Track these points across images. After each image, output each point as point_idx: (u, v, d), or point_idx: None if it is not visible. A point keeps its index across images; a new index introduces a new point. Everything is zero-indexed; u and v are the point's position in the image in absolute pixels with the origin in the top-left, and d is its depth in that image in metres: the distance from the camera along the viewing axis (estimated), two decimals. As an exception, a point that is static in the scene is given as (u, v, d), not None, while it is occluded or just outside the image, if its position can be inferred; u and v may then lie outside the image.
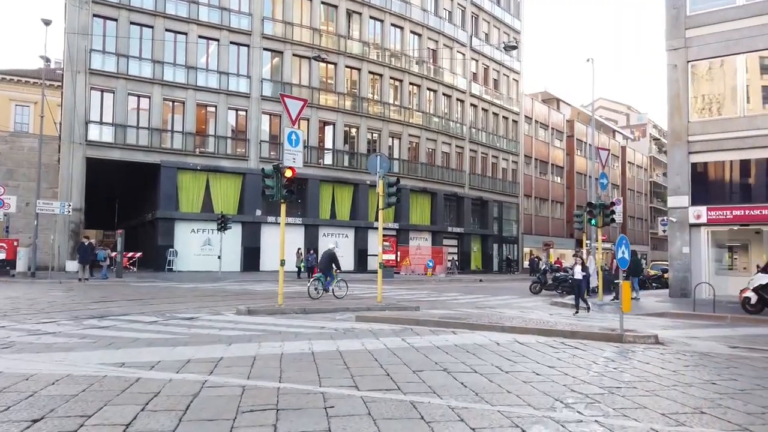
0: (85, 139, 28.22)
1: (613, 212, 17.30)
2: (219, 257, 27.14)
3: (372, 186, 36.48)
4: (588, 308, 14.55)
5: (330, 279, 16.41)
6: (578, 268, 14.42)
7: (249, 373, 6.21)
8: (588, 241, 21.82)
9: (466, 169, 43.32)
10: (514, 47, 29.82)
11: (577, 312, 14.22)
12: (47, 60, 24.94)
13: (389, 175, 15.91)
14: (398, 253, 35.33)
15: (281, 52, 33.54)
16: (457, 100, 43.10)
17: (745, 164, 18.56)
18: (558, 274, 23.15)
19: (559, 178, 55.93)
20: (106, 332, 9.23)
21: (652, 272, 30.25)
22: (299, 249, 30.06)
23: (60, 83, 37.07)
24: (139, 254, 30.38)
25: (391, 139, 38.04)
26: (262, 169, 13.20)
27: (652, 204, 76.43)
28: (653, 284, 28.11)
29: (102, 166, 29.60)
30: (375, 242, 36.60)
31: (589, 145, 60.32)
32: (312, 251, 29.66)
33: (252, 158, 32.35)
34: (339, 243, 35.19)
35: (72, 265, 27.08)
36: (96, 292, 17.54)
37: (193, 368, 6.44)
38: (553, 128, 54.95)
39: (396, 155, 38.12)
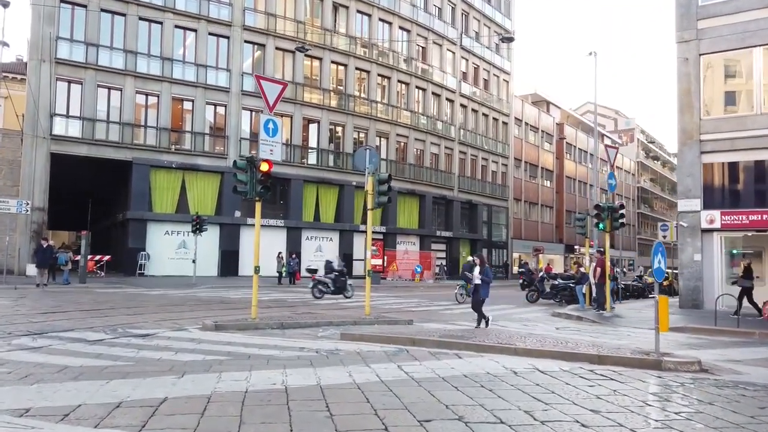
0: (49, 133, 26.20)
1: (622, 215, 15.88)
2: (194, 261, 25.28)
3: (359, 187, 34.84)
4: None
5: None
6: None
7: (196, 427, 4.54)
8: (592, 248, 20.38)
9: (455, 171, 41.90)
10: (511, 39, 28.51)
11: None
12: (5, 44, 22.88)
13: (380, 172, 14.27)
14: (385, 257, 33.74)
15: (263, 45, 31.80)
16: (447, 99, 41.69)
17: (760, 165, 17.28)
18: (556, 282, 21.73)
19: (548, 182, 54.83)
20: (34, 356, 7.47)
21: (651, 280, 28.95)
22: (280, 253, 28.30)
23: (23, 76, 34.91)
24: (107, 257, 28.37)
25: (378, 138, 36.46)
26: (234, 161, 11.54)
27: (640, 210, 75.84)
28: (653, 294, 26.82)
29: (70, 162, 27.59)
30: (361, 246, 34.97)
31: (585, 150, 59.47)
32: (294, 255, 27.96)
33: (231, 156, 30.43)
34: (323, 247, 33.61)
35: (32, 269, 25.02)
36: (50, 300, 15.65)
37: (121, 418, 4.75)
38: (542, 131, 53.84)
39: (384, 155, 36.54)
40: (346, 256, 34.25)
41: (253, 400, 5.43)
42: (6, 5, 21.35)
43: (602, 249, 18.00)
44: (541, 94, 56.61)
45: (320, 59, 33.63)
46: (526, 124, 51.22)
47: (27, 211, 22.30)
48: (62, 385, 5.88)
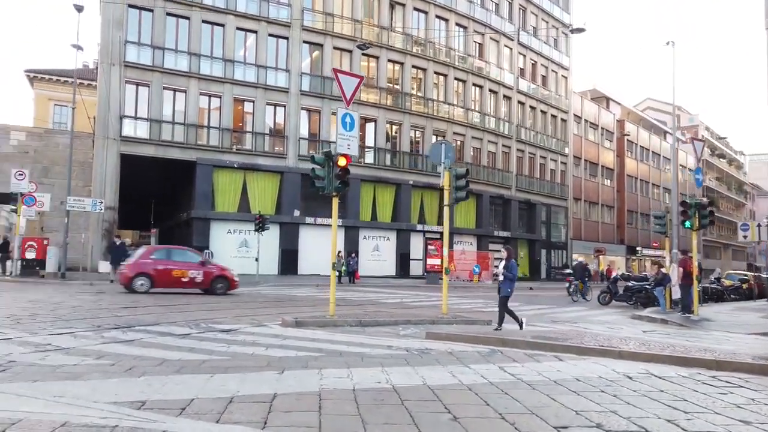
0: (119, 134, 27.07)
1: (712, 212, 14.91)
2: (256, 259, 25.56)
3: (416, 186, 34.58)
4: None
5: None
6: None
7: (319, 425, 4.31)
8: (675, 250, 19.33)
9: (513, 170, 40.95)
10: (581, 30, 27.47)
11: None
12: (79, 48, 23.81)
13: (456, 166, 13.91)
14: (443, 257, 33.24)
15: (321, 45, 31.92)
16: (504, 97, 40.80)
17: None
18: (630, 284, 20.76)
19: (609, 180, 52.93)
20: (129, 349, 7.49)
21: (728, 282, 27.42)
22: (340, 252, 28.27)
23: (86, 81, 36.35)
24: (173, 255, 29.04)
25: (434, 137, 35.96)
26: (312, 156, 11.38)
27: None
28: (731, 295, 25.36)
29: (137, 163, 28.41)
30: (418, 246, 34.65)
31: (647, 148, 57.21)
32: (354, 254, 27.87)
33: (290, 156, 30.77)
34: (380, 246, 33.46)
35: (104, 266, 25.88)
36: (127, 296, 16.03)
37: (239, 413, 4.58)
38: (602, 128, 52.03)
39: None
40: (403, 256, 34.05)
41: (365, 399, 5.17)
42: (80, 9, 22.13)
43: (685, 249, 17.00)
44: (600, 90, 54.75)
45: (377, 58, 33.49)
46: (586, 121, 49.61)
47: (101, 209, 23.06)
48: (168, 378, 5.80)
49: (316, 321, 10.83)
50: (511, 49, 41.70)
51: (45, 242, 23.32)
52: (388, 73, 34.28)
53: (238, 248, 29.40)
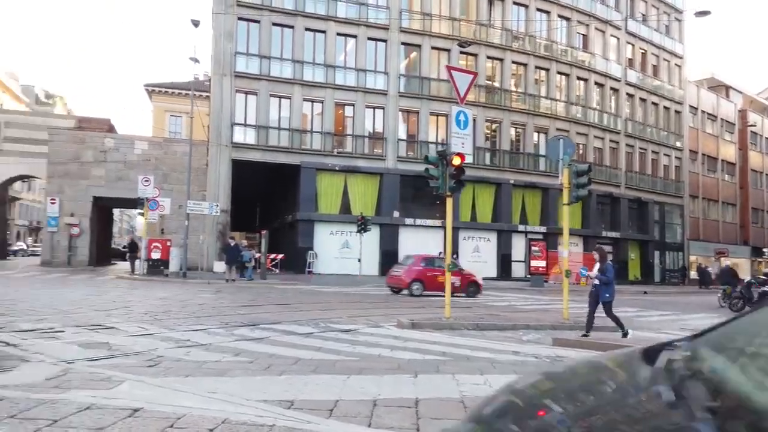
0: (230, 141, 28.59)
1: None
2: (359, 260, 25.94)
3: (516, 186, 33.58)
4: None
5: None
6: None
7: (474, 436, 4.08)
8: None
9: (622, 166, 38.61)
10: (706, 13, 25.19)
11: None
12: (196, 61, 25.53)
13: (576, 162, 13.19)
14: (548, 259, 31.96)
15: (419, 46, 31.87)
16: (611, 89, 38.59)
17: None
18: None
19: (730, 176, 48.50)
20: (261, 346, 7.70)
21: None
22: (441, 253, 27.97)
23: (208, 93, 38.65)
24: (281, 256, 30.24)
25: (536, 134, 34.80)
26: (426, 156, 11.26)
27: None
28: None
29: (245, 168, 29.83)
30: (519, 247, 33.61)
31: None
32: (455, 256, 27.45)
33: (389, 158, 30.97)
34: (480, 247, 32.81)
35: (219, 266, 27.36)
36: (243, 295, 16.78)
37: (388, 418, 4.47)
38: (722, 119, 47.76)
39: (542, 152, 34.76)
40: (504, 258, 33.16)
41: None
42: (196, 25, 23.59)
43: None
44: (719, 78, 50.33)
45: (475, 55, 32.87)
46: (703, 112, 45.76)
47: (217, 212, 24.43)
48: (308, 378, 5.84)
49: (432, 323, 10.66)
50: (618, 38, 39.37)
51: (168, 243, 25.04)
52: (486, 70, 33.56)
53: (340, 249, 30.02)
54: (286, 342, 8.19)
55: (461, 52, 31.85)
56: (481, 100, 33.04)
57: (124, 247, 61.00)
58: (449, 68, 11.24)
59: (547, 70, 35.40)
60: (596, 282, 9.93)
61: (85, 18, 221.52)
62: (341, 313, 12.55)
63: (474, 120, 32.47)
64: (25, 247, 61.30)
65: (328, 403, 4.84)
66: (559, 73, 35.92)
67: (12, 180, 37.70)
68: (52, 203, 31.56)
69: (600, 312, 9.80)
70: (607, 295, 9.78)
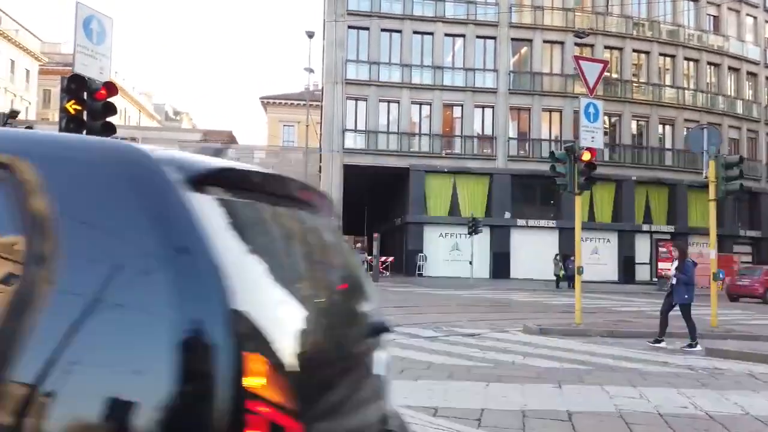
0: (342, 147, 29.31)
1: None
2: (470, 263, 25.45)
3: (640, 182, 31.29)
4: None
5: None
6: None
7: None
8: None
9: (762, 158, 34.70)
10: None
11: None
12: (311, 71, 26.60)
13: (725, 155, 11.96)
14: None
15: (530, 41, 30.75)
16: (748, 73, 34.80)
17: None
18: None
19: None
20: (389, 349, 7.61)
21: None
22: (557, 255, 26.78)
23: (319, 103, 40.04)
24: (390, 259, 30.52)
25: (661, 126, 32.25)
26: (551, 152, 10.66)
27: None
28: None
29: (354, 172, 30.37)
30: (643, 248, 31.31)
31: None
32: (572, 258, 26.07)
33: (500, 157, 30.15)
34: (599, 249, 30.98)
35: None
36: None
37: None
38: None
39: (669, 145, 32.21)
40: (627, 260, 31.02)
41: (684, 427, 4.34)
42: (311, 36, 24.49)
43: None
44: None
45: (592, 46, 31.08)
46: None
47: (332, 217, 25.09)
48: (446, 384, 5.64)
49: (562, 330, 10.06)
50: (755, 18, 35.45)
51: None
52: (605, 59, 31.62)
53: (450, 251, 29.69)
54: (414, 345, 8.06)
55: (576, 44, 30.35)
56: (599, 93, 31.04)
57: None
58: (577, 58, 10.65)
59: (673, 57, 32.66)
60: (673, 281, 8.81)
61: (203, 38, 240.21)
62: (460, 317, 12.27)
63: (590, 115, 30.83)
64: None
65: (474, 412, 4.61)
66: (687, 59, 33.01)
67: (148, 190, 41.35)
68: (183, 210, 34.26)
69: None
70: (686, 296, 8.71)
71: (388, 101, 29.77)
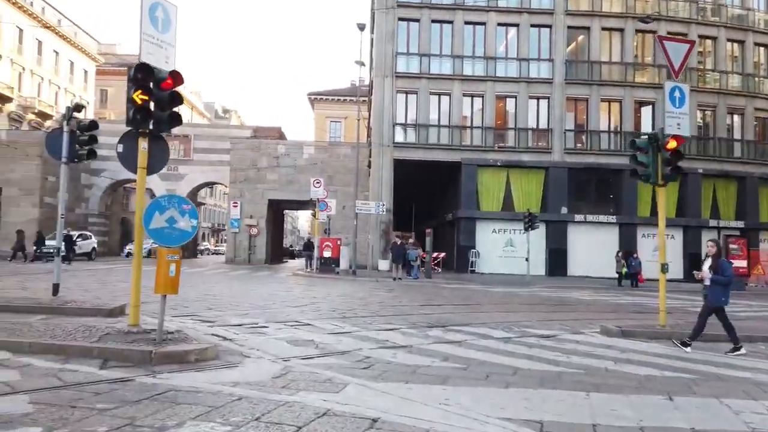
0: (392, 141, 28.90)
1: None
2: (527, 259, 24.57)
3: (706, 175, 29.67)
4: None
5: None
6: None
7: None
8: None
9: (841, 148, 32.27)
10: None
11: None
12: (362, 64, 26.17)
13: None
14: (749, 258, 27.68)
15: (587, 28, 29.49)
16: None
17: None
18: None
19: None
20: (464, 351, 7.15)
21: None
22: (618, 252, 25.59)
23: (363, 98, 39.72)
24: (442, 255, 29.93)
25: (729, 116, 30.40)
26: (632, 141, 9.88)
27: None
28: None
29: (403, 167, 29.88)
30: (710, 245, 29.58)
31: None
32: (635, 254, 24.90)
33: (555, 150, 29.08)
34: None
35: (383, 264, 27.84)
36: (417, 294, 16.56)
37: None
38: None
39: (737, 135, 30.38)
40: (693, 257, 29.35)
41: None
42: (362, 28, 24.12)
43: None
44: None
45: (654, 32, 29.51)
46: None
47: (383, 211, 24.78)
48: (540, 392, 5.11)
49: (646, 332, 9.31)
50: (832, -3, 32.97)
51: (338, 242, 25.95)
52: (666, 48, 30.03)
53: (503, 248, 28.89)
54: (489, 347, 7.54)
55: (637, 30, 28.98)
56: (660, 82, 29.65)
57: (290, 247, 65.97)
58: (661, 38, 9.83)
59: (741, 42, 30.73)
60: (707, 282, 7.95)
61: (249, 35, 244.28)
62: (527, 316, 11.64)
63: (653, 105, 29.41)
64: (210, 246, 68.89)
65: (585, 428, 4.08)
66: (757, 44, 31.00)
67: (200, 186, 42.10)
68: (234, 206, 34.65)
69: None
70: (723, 298, 7.88)
71: (439, 94, 29.15)
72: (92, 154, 9.79)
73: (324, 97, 54.53)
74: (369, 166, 31.76)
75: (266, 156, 34.86)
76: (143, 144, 6.83)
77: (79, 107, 9.44)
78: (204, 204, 66.56)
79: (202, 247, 60.81)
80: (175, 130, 8.56)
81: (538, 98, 29.42)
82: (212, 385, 4.87)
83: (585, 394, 5.10)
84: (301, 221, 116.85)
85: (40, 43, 43.97)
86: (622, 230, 28.99)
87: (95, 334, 6.38)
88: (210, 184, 46.97)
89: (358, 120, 27.52)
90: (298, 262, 41.29)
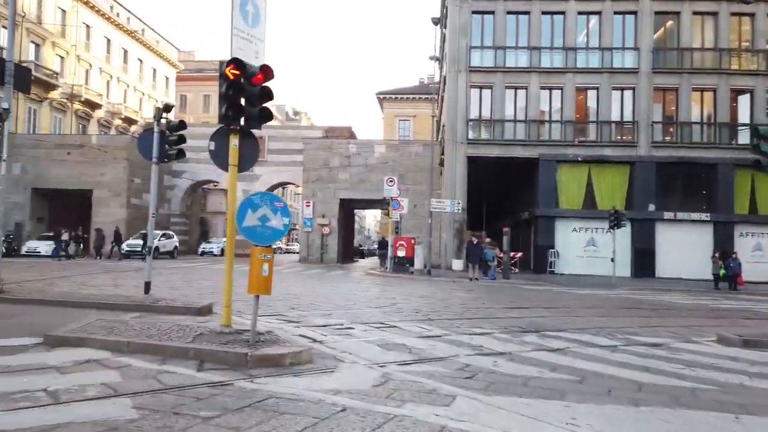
0: (466, 137, 28.21)
1: None
2: (612, 260, 23.18)
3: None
4: None
5: None
6: None
7: None
8: None
9: None
10: None
11: None
12: (437, 59, 25.67)
13: None
14: None
15: (677, 13, 27.55)
16: None
17: None
18: None
19: None
20: (569, 360, 6.54)
21: None
22: (715, 253, 23.71)
23: (433, 96, 39.15)
24: (519, 254, 28.91)
25: (841, 102, 27.51)
26: (755, 127, 8.87)
27: None
28: None
29: (476, 164, 29.08)
30: (820, 245, 26.94)
31: None
32: (734, 255, 22.98)
33: (642, 144, 27.38)
34: (763, 244, 27.18)
35: (457, 264, 27.24)
36: (498, 295, 15.91)
37: None
38: None
39: None
40: (797, 257, 26.85)
41: None
42: (436, 23, 23.61)
43: None
44: None
45: (752, 15, 27.25)
46: None
47: (458, 210, 24.18)
48: (676, 413, 4.48)
49: (772, 341, 8.28)
50: None
51: (412, 242, 25.59)
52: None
53: (584, 247, 27.53)
54: (597, 357, 6.89)
55: (732, 14, 26.80)
56: (761, 68, 27.32)
57: (360, 246, 66.35)
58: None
59: None
60: None
61: (315, 37, 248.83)
62: (626, 322, 10.77)
63: (751, 93, 27.15)
64: (282, 245, 70.49)
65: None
66: None
67: (275, 186, 42.98)
68: (307, 206, 35.02)
69: None
70: None
71: (515, 88, 28.15)
72: (181, 154, 9.89)
73: (393, 96, 54.43)
74: (441, 164, 31.20)
75: (338, 155, 35.01)
76: (234, 141, 6.70)
77: (168, 107, 9.56)
78: (277, 204, 67.62)
79: (274, 246, 62.16)
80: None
81: (622, 89, 27.82)
82: (312, 392, 4.58)
83: (734, 416, 4.42)
84: (368, 220, 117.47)
85: (125, 51, 46.46)
86: (717, 229, 26.89)
87: (189, 334, 6.30)
88: (283, 185, 47.87)
89: (433, 117, 26.95)
90: (369, 261, 41.31)
